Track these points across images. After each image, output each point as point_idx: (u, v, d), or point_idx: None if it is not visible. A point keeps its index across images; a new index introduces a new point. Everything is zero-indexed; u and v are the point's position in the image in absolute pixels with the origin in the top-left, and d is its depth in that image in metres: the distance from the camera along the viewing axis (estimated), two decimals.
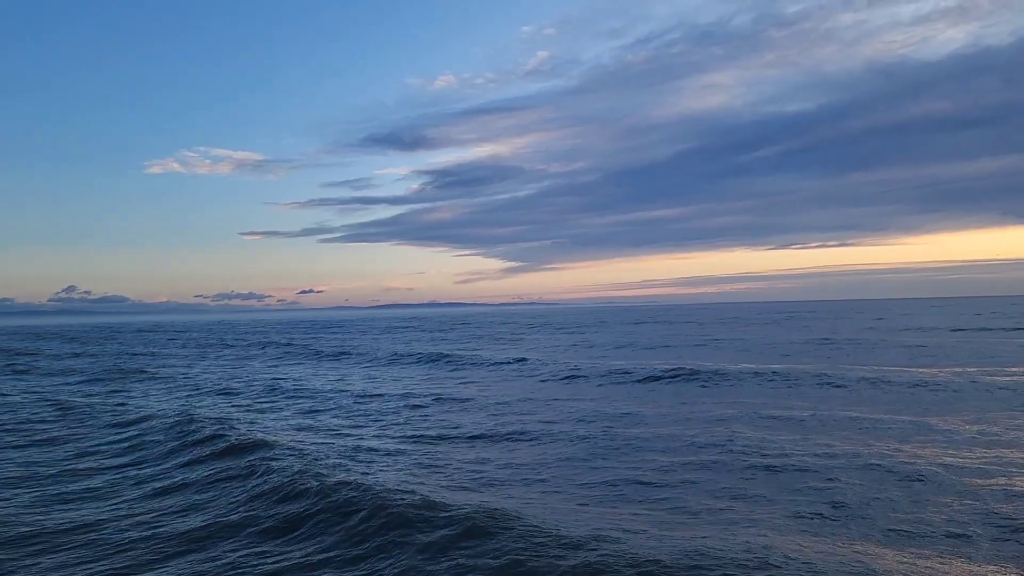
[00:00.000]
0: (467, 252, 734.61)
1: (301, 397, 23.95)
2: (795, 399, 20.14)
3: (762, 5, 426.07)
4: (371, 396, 23.53)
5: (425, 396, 23.05)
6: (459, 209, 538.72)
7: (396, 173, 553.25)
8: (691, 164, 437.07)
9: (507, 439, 15.41)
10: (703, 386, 23.73)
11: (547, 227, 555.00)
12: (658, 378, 25.78)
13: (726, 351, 39.93)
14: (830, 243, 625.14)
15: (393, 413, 19.73)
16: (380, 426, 17.61)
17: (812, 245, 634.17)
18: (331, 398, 23.41)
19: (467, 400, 21.94)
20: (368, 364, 38.04)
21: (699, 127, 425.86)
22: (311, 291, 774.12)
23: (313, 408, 21.20)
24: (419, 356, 39.74)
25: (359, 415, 19.57)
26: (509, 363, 33.90)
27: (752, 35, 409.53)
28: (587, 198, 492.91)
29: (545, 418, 18.11)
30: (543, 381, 27.35)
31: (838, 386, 22.14)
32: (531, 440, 15.19)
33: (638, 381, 25.59)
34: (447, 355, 39.03)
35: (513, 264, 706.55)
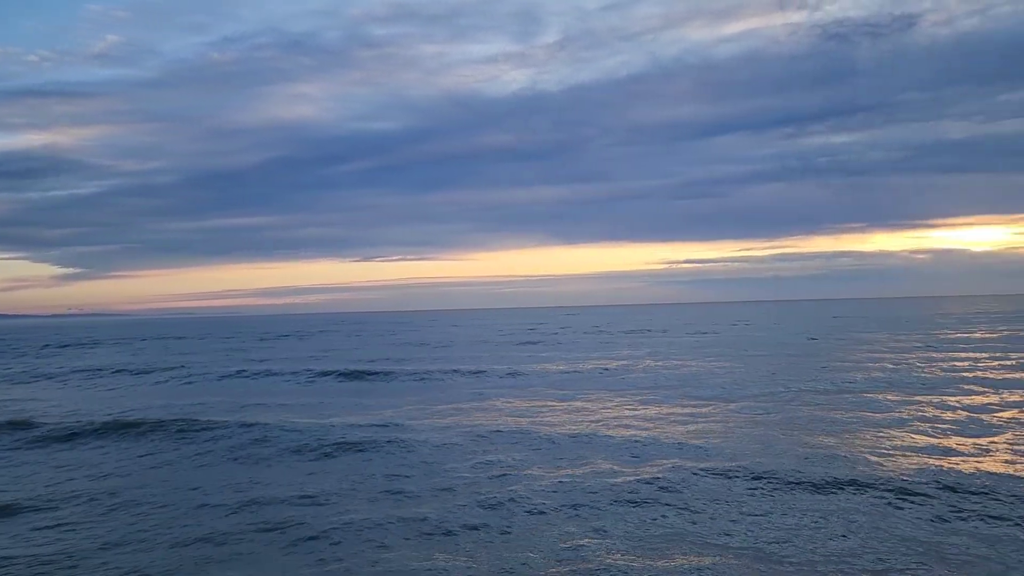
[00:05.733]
0: (10, 255, 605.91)
1: None
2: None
3: (351, 25, 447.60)
4: None
5: None
6: (0, 204, 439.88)
7: None
8: (278, 173, 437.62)
9: None
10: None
11: (116, 230, 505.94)
12: None
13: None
14: (410, 257, 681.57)
15: None
16: None
17: (394, 258, 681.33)
18: None
19: None
20: None
21: (287, 136, 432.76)
22: None
23: None
24: None
25: None
26: None
27: (341, 52, 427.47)
28: (164, 201, 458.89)
29: None
30: None
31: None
32: None
33: None
34: None
35: (72, 270, 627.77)
